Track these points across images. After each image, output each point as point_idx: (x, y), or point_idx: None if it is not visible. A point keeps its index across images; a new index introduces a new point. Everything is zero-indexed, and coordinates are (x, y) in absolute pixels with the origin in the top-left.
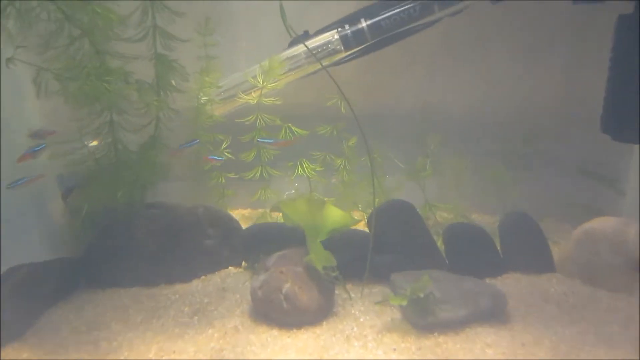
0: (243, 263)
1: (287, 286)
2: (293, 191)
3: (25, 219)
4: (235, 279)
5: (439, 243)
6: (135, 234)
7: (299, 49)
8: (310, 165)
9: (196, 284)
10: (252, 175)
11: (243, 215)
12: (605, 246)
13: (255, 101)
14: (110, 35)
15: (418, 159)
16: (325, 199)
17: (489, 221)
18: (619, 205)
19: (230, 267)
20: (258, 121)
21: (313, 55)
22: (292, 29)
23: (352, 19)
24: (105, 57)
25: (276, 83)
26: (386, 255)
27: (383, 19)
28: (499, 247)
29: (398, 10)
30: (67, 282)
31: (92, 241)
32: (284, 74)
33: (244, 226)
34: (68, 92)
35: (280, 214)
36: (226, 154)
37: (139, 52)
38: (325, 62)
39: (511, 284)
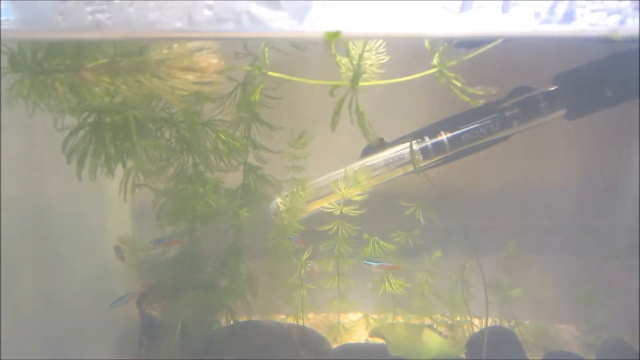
0: None
1: None
2: None
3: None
4: None
5: None
6: (230, 354)
7: (378, 157)
8: (397, 282)
9: None
10: (329, 284)
11: (307, 321)
12: None
13: (338, 211)
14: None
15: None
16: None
17: (574, 334)
18: None
19: None
20: (340, 230)
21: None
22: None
23: (431, 131)
24: (201, 168)
25: (362, 195)
26: None
27: (463, 132)
28: None
29: (478, 124)
30: None
31: None
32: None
33: None
34: (185, 212)
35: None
36: (308, 263)
37: None
38: (400, 172)
39: None
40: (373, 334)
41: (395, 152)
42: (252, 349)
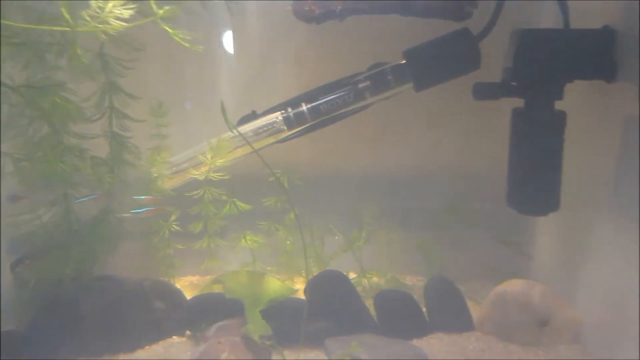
0: (187, 332)
1: (224, 356)
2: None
3: None
4: (178, 349)
5: (371, 307)
6: (83, 306)
7: (247, 127)
8: (253, 238)
9: (140, 354)
10: (199, 245)
11: (191, 283)
12: (514, 306)
13: (203, 177)
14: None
15: (353, 231)
16: (269, 268)
17: (420, 284)
18: (528, 267)
19: (174, 337)
20: (206, 195)
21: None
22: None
23: (294, 103)
24: (63, 136)
25: (223, 161)
26: (321, 322)
27: (321, 103)
28: (424, 310)
29: (334, 96)
30: (12, 355)
31: (36, 314)
32: (231, 150)
33: (191, 294)
34: (22, 172)
35: (216, 284)
36: (174, 226)
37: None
38: (271, 139)
39: (435, 343)
40: (215, 281)
41: (263, 123)
42: (105, 299)
